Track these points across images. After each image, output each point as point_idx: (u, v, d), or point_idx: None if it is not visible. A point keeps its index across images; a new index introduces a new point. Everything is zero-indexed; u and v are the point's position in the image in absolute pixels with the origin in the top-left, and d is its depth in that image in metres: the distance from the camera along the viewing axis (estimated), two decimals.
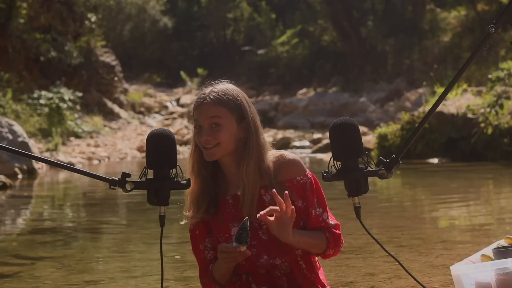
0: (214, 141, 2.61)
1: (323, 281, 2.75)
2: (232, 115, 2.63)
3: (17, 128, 13.14)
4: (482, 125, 12.80)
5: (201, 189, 2.70)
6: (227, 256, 2.55)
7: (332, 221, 2.71)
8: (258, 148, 2.65)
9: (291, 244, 2.62)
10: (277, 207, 2.52)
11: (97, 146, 17.96)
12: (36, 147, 14.65)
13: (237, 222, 2.64)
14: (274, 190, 2.54)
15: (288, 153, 2.71)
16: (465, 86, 14.82)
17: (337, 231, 2.70)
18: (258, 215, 2.53)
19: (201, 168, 2.69)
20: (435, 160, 13.22)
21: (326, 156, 14.96)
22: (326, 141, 16.32)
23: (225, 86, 2.68)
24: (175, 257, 5.41)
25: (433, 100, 14.10)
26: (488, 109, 12.81)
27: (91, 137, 18.90)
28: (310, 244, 2.67)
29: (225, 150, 2.64)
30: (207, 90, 2.67)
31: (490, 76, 13.59)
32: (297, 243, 2.63)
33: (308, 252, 2.71)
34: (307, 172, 2.69)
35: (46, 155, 14.61)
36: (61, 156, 14.75)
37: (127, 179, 2.53)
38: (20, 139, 12.77)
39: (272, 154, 2.70)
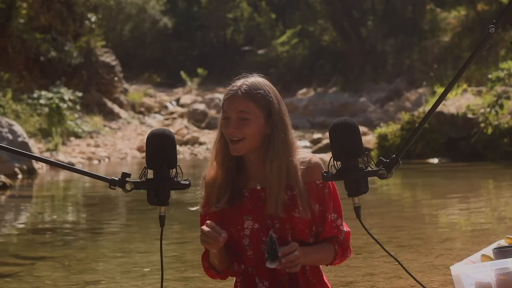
0: (240, 134, 2.60)
1: (326, 283, 2.77)
2: (260, 110, 2.62)
3: (17, 128, 13.14)
4: (482, 125, 12.80)
5: (225, 179, 2.68)
6: (204, 238, 2.54)
7: (345, 228, 2.74)
8: (285, 146, 2.63)
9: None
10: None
11: (97, 146, 17.94)
12: (36, 147, 14.64)
13: (251, 215, 2.65)
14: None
15: (313, 156, 2.70)
16: (465, 86, 14.82)
17: (347, 242, 2.73)
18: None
19: (225, 158, 2.68)
20: (435, 160, 13.22)
21: (326, 156, 14.95)
22: (326, 141, 16.30)
23: (257, 81, 2.67)
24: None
25: (433, 100, 14.10)
26: (488, 109, 12.80)
27: (91, 137, 18.89)
28: (319, 260, 2.72)
29: (250, 146, 2.63)
30: (239, 83, 2.66)
31: (490, 76, 13.59)
32: (305, 263, 2.66)
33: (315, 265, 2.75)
34: None
35: (46, 155, 14.60)
36: (61, 156, 14.74)
37: (127, 179, 2.52)
38: (20, 139, 12.76)
39: (301, 155, 2.69)
